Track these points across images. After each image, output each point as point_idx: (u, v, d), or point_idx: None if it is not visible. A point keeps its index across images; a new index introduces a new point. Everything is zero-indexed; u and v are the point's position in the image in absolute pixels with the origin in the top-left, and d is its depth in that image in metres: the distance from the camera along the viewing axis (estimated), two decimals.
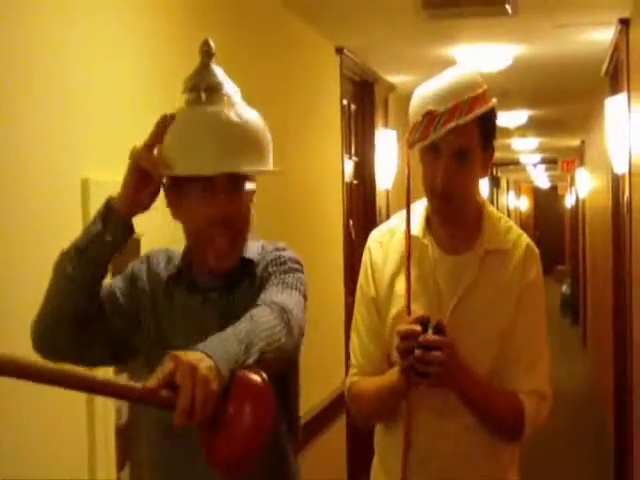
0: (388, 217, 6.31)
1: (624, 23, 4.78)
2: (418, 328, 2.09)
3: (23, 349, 1.93)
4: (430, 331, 2.10)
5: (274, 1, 4.23)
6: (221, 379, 1.52)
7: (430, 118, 2.19)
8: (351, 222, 5.74)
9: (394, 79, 6.72)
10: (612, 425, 6.75)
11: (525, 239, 2.40)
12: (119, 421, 2.49)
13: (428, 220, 2.36)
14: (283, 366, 1.82)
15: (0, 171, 2.05)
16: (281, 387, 1.93)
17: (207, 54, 1.93)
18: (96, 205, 1.91)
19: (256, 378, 1.56)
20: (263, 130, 1.96)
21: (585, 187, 12.08)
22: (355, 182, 6.05)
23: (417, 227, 2.35)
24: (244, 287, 2.00)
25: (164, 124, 1.89)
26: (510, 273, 2.31)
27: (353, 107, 6.02)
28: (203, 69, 1.93)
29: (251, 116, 1.95)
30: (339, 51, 5.43)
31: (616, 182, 5.90)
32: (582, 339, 13.17)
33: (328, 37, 5.20)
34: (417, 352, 2.10)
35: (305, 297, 1.95)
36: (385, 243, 2.41)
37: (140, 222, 1.89)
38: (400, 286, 2.31)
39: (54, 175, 2.26)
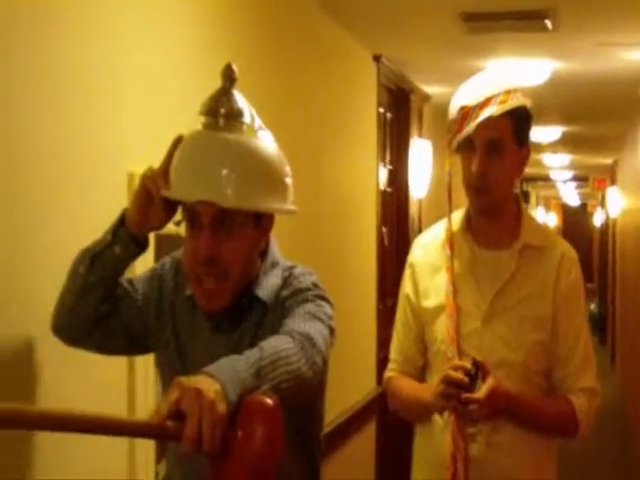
0: (420, 226, 6.42)
1: None
2: (466, 380, 2.16)
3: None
4: (476, 374, 2.18)
5: (313, 7, 4.26)
6: (229, 403, 1.42)
7: (464, 113, 2.31)
8: (384, 229, 5.76)
9: (430, 89, 6.73)
10: None
11: (563, 241, 2.50)
12: None
13: (468, 219, 2.45)
14: (301, 398, 1.68)
15: (48, 167, 2.08)
16: (298, 423, 1.85)
17: (229, 79, 1.86)
18: None
19: (266, 399, 1.45)
20: (278, 165, 1.85)
21: (616, 206, 12.02)
22: (389, 190, 6.07)
23: (457, 225, 2.45)
24: (254, 323, 1.90)
25: (175, 145, 1.85)
26: (547, 269, 2.39)
27: (389, 115, 6.05)
28: (223, 94, 1.85)
29: (267, 149, 1.84)
30: (377, 59, 5.44)
31: None
32: (610, 359, 13.07)
33: (366, 44, 5.22)
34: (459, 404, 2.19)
35: (330, 328, 1.83)
36: (425, 243, 2.54)
37: None
38: (439, 280, 2.42)
39: (101, 169, 2.29)
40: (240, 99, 1.87)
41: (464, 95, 2.34)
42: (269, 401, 1.44)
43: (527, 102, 2.37)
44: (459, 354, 2.32)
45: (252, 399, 1.46)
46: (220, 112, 1.83)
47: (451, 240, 2.42)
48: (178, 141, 1.87)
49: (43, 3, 2.07)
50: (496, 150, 2.31)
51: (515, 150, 2.35)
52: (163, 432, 1.41)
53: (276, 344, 1.63)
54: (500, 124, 2.30)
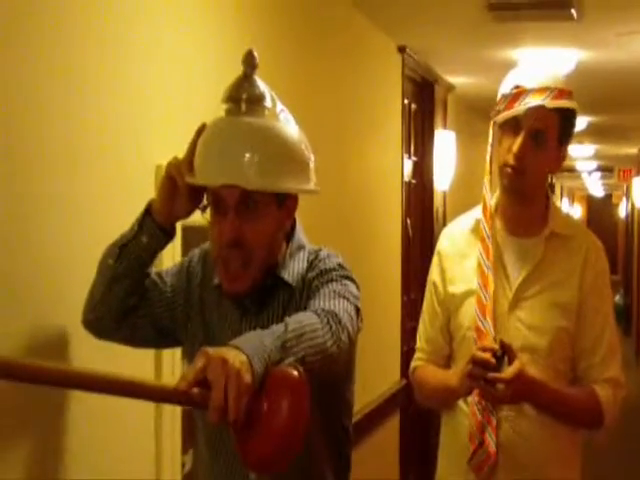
0: (445, 218, 6.39)
1: None
2: (493, 360, 2.16)
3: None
4: (502, 356, 2.17)
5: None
6: (254, 373, 1.43)
7: (518, 92, 2.32)
8: (409, 220, 5.74)
9: (454, 80, 6.70)
10: None
11: (589, 231, 2.52)
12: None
13: (498, 206, 2.47)
14: (325, 373, 1.68)
15: (75, 161, 2.08)
16: (326, 409, 1.86)
17: (250, 65, 1.87)
18: None
19: (292, 371, 1.45)
20: (299, 146, 1.85)
21: None
22: (413, 181, 6.05)
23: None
24: (280, 306, 1.90)
25: (199, 133, 1.87)
26: (574, 258, 2.40)
27: (413, 106, 6.03)
28: (245, 80, 1.87)
29: (289, 131, 1.85)
30: (401, 50, 5.42)
31: None
32: (635, 351, 12.99)
33: (391, 36, 5.20)
34: (485, 384, 2.17)
35: (356, 307, 1.83)
36: (451, 233, 2.56)
37: None
38: (467, 266, 2.43)
39: (129, 163, 2.30)
40: (261, 84, 1.89)
41: (522, 75, 2.37)
42: (295, 373, 1.45)
43: (576, 107, 2.39)
44: (494, 328, 2.32)
45: (278, 371, 1.47)
46: (242, 98, 1.85)
47: (488, 212, 2.42)
48: (201, 129, 1.89)
49: None
50: (538, 140, 2.33)
51: (555, 147, 2.38)
52: (189, 398, 1.43)
53: (301, 319, 1.65)
54: (549, 117, 2.33)
